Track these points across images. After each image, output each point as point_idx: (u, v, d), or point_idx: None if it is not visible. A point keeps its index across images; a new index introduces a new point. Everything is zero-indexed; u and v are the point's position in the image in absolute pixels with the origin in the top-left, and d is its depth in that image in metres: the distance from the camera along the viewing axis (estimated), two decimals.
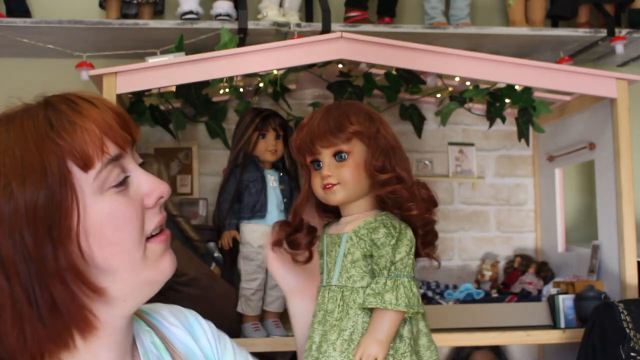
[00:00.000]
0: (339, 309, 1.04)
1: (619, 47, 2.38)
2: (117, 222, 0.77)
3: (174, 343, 0.93)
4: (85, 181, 0.76)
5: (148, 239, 0.81)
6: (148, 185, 0.81)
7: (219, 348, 1.00)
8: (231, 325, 1.92)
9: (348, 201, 1.12)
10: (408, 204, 1.08)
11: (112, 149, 0.78)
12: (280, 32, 2.27)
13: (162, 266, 0.82)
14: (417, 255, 1.10)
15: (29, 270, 0.72)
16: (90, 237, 0.76)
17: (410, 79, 2.14)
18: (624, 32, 2.39)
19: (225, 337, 1.04)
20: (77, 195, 0.75)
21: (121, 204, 0.78)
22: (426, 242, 1.11)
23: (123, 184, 0.79)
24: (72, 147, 0.75)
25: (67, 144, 0.75)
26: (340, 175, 1.10)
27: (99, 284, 0.77)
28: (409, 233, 1.06)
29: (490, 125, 2.25)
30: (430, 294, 2.25)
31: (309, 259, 1.14)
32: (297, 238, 1.15)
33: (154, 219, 0.81)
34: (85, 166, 0.76)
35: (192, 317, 1.00)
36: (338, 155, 1.11)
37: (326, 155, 1.12)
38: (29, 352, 0.74)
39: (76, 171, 0.75)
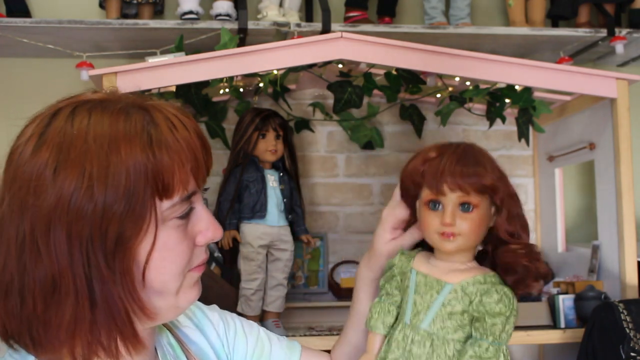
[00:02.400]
0: (426, 356, 1.03)
1: (619, 47, 2.38)
2: (167, 254, 0.76)
3: (188, 344, 0.94)
4: (159, 207, 0.74)
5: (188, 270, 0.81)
6: (206, 225, 0.80)
7: (228, 338, 1.00)
8: None
9: (459, 252, 1.08)
10: (532, 282, 1.05)
11: (192, 186, 0.77)
12: (280, 32, 2.27)
13: (189, 295, 0.82)
14: None
15: (93, 272, 0.71)
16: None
17: (410, 79, 2.14)
18: (624, 32, 2.39)
19: (232, 322, 1.03)
20: (157, 218, 0.74)
21: (177, 238, 0.77)
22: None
23: (186, 217, 0.78)
24: (162, 172, 0.73)
25: (158, 166, 0.72)
26: (462, 227, 1.05)
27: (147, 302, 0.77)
28: (517, 303, 1.04)
29: (490, 125, 2.25)
30: None
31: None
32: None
33: (200, 257, 0.81)
34: (165, 195, 0.74)
35: (199, 312, 1.00)
36: (464, 206, 1.06)
37: (451, 201, 1.06)
38: (70, 349, 0.74)
39: (155, 195, 0.74)
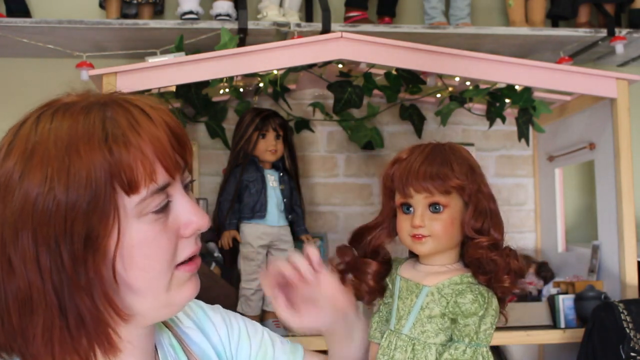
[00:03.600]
0: None
1: (619, 47, 2.38)
2: (148, 250, 0.75)
3: (190, 345, 0.93)
4: (128, 203, 0.73)
5: (177, 265, 0.79)
6: (188, 216, 0.78)
7: (231, 340, 0.99)
8: None
9: (435, 253, 1.07)
10: (503, 275, 1.03)
11: (161, 178, 0.75)
12: (280, 32, 2.27)
13: (184, 292, 0.80)
14: None
15: (61, 278, 0.71)
16: (118, 257, 0.74)
17: (410, 79, 2.14)
18: (624, 32, 2.39)
19: (236, 323, 1.01)
20: (120, 214, 0.73)
21: (157, 232, 0.75)
22: (501, 303, 1.08)
23: (163, 210, 0.76)
24: (122, 168, 0.72)
25: (117, 162, 0.72)
26: (433, 227, 1.04)
27: (124, 302, 0.76)
28: (495, 302, 1.02)
29: (490, 125, 2.25)
30: None
31: (373, 296, 1.09)
32: (368, 264, 1.09)
33: (187, 249, 0.79)
34: (130, 191, 0.73)
35: (201, 312, 0.99)
36: (433, 206, 1.05)
37: (420, 203, 1.05)
38: (53, 358, 0.73)
39: (120, 191, 0.73)
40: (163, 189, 0.76)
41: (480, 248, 1.04)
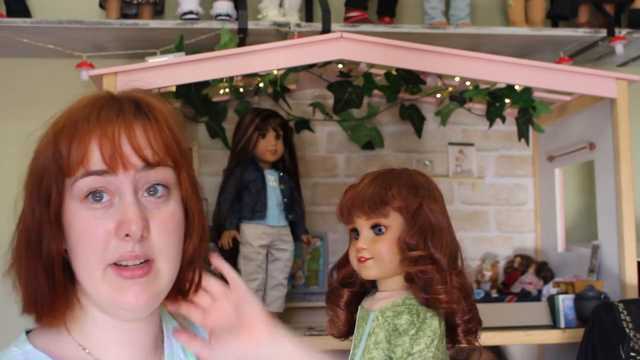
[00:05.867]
0: None
1: (619, 47, 2.38)
2: (78, 233, 0.78)
3: None
4: (67, 183, 0.78)
5: (112, 265, 0.78)
6: (121, 217, 0.77)
7: None
8: None
9: (382, 277, 1.07)
10: (437, 286, 1.02)
11: (95, 165, 0.76)
12: (280, 32, 2.27)
13: (123, 296, 0.78)
14: (457, 342, 1.06)
15: (35, 230, 0.79)
16: (67, 233, 0.79)
17: (410, 79, 2.14)
18: (623, 32, 2.39)
19: None
20: (64, 193, 0.78)
21: (88, 219, 0.77)
22: (468, 330, 1.06)
23: (100, 201, 0.77)
24: (63, 156, 0.77)
25: (58, 143, 0.78)
26: (375, 249, 1.06)
27: (81, 285, 0.80)
28: (434, 323, 1.01)
29: (490, 125, 2.25)
30: None
31: (346, 332, 1.08)
32: (340, 292, 1.10)
33: (117, 251, 0.77)
34: (66, 172, 0.77)
35: None
36: (377, 228, 1.07)
37: (364, 227, 1.08)
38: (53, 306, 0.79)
39: (62, 171, 0.78)
40: (97, 174, 0.77)
41: (410, 261, 1.04)
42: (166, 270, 0.80)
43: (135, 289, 0.78)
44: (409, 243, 1.04)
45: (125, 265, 0.78)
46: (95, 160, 0.76)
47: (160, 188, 0.79)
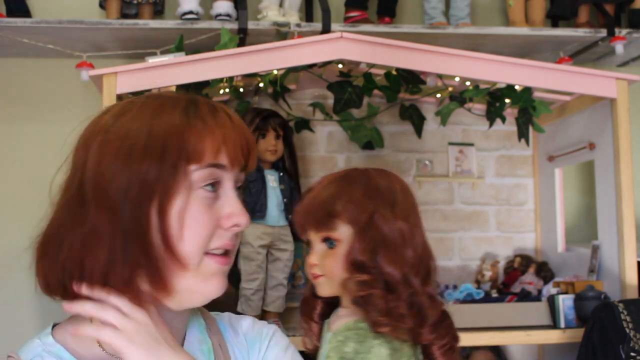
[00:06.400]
0: None
1: (619, 47, 2.38)
2: (188, 221, 0.79)
3: (231, 355, 0.90)
4: (187, 170, 0.80)
5: (208, 254, 0.82)
6: (231, 210, 0.82)
7: None
8: None
9: (336, 294, 0.98)
10: (381, 317, 0.92)
11: (222, 158, 0.81)
12: (280, 32, 2.27)
13: (209, 284, 0.82)
14: None
15: (127, 215, 0.78)
16: (171, 218, 0.79)
17: (410, 79, 2.14)
18: (623, 32, 2.39)
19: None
20: (178, 178, 0.79)
21: (200, 208, 0.80)
22: (442, 347, 0.98)
23: (212, 192, 0.82)
24: (194, 144, 0.79)
25: (191, 129, 0.80)
26: (326, 266, 0.97)
27: (168, 272, 0.80)
28: (382, 352, 0.92)
29: (490, 125, 2.25)
30: None
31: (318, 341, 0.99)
32: (313, 303, 1.02)
33: (221, 240, 0.82)
34: (193, 159, 0.79)
35: (266, 340, 0.92)
36: (328, 242, 0.98)
37: (316, 239, 0.99)
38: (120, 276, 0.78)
39: (183, 157, 0.79)
40: (218, 167, 0.81)
41: (355, 283, 0.94)
42: None
43: (220, 277, 0.83)
44: (357, 260, 0.95)
45: (220, 254, 0.82)
46: (222, 154, 0.81)
47: (241, 187, 0.87)
